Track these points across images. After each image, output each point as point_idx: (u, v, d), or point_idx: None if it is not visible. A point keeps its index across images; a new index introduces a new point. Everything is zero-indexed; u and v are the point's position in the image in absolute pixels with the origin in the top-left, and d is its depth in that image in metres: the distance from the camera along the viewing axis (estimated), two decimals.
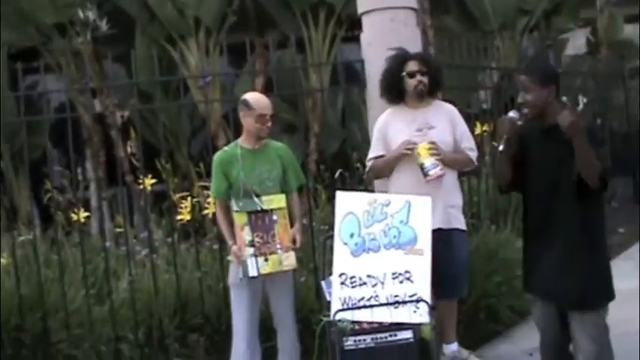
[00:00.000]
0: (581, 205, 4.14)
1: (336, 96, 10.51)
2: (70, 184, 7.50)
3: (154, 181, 7.29)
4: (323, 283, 5.12)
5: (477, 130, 7.90)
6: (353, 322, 4.78)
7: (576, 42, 13.48)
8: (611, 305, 4.40)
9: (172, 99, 9.91)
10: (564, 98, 8.94)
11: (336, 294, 4.88)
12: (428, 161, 5.17)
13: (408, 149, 5.24)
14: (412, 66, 5.39)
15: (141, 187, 7.03)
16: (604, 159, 4.13)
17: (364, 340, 4.74)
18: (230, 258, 5.16)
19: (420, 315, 4.77)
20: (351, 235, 4.96)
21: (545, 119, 4.25)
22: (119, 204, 8.57)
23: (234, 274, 5.12)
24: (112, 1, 10.20)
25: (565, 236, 4.18)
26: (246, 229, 4.99)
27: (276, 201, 5.07)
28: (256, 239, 4.98)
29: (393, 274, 4.87)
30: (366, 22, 6.21)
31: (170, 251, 6.54)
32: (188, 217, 6.99)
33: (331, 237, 5.10)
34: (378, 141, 5.51)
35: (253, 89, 8.89)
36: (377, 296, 4.85)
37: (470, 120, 7.28)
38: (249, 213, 5.00)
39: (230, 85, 9.01)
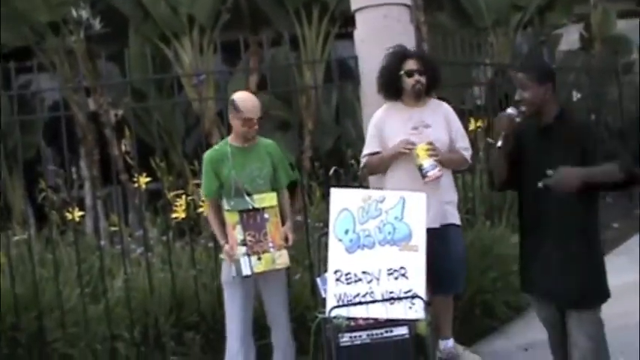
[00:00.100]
0: (577, 204, 4.14)
1: (330, 93, 10.51)
2: (64, 183, 7.49)
3: (148, 179, 7.28)
4: (318, 279, 5.13)
5: (471, 127, 7.91)
6: (348, 319, 4.78)
7: (570, 37, 13.50)
8: (608, 300, 4.43)
9: (166, 97, 9.88)
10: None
11: (332, 291, 4.88)
12: (427, 162, 5.17)
13: (406, 149, 5.25)
14: (410, 65, 5.39)
15: (135, 185, 7.02)
16: (622, 162, 4.05)
17: (360, 336, 4.74)
18: (222, 256, 5.16)
19: (416, 311, 4.77)
20: (346, 232, 4.97)
21: (542, 117, 4.26)
22: (114, 202, 8.57)
23: (226, 273, 5.11)
24: None
25: (561, 235, 4.18)
26: (238, 228, 4.98)
27: (267, 199, 5.06)
28: (248, 238, 4.97)
29: (388, 270, 4.87)
30: (359, 19, 6.21)
31: (165, 249, 6.54)
32: (183, 215, 6.99)
33: (326, 234, 5.10)
34: (373, 137, 5.51)
35: (247, 87, 8.94)
36: (372, 292, 4.85)
37: (464, 116, 7.29)
38: (241, 212, 4.99)
39: (224, 83, 8.97)
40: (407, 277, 4.85)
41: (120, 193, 9.14)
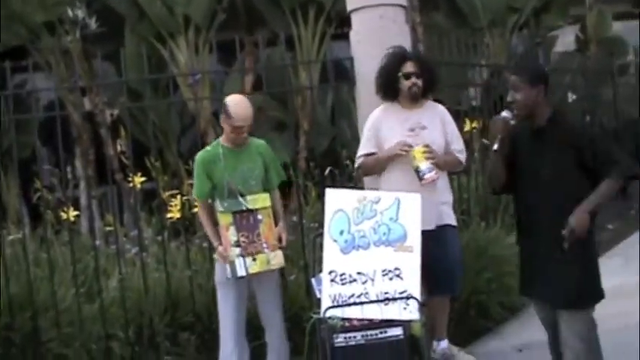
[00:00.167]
0: (571, 207, 4.13)
1: (325, 93, 10.52)
2: (59, 183, 7.48)
3: (143, 179, 7.27)
4: (313, 280, 5.13)
5: (467, 128, 7.92)
6: (343, 319, 4.78)
7: (565, 39, 13.51)
8: (603, 300, 4.43)
9: (162, 97, 9.88)
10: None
11: (326, 291, 4.88)
12: (424, 165, 5.18)
13: (403, 151, 5.25)
14: (409, 67, 5.39)
15: (130, 185, 7.01)
16: (621, 167, 4.14)
17: (354, 337, 4.74)
18: (216, 257, 5.15)
19: (410, 312, 4.78)
20: (341, 233, 4.97)
21: (535, 120, 4.28)
22: (109, 202, 8.54)
23: (220, 273, 5.11)
24: None
25: (555, 237, 4.15)
26: (232, 229, 4.97)
27: (260, 200, 5.05)
28: (242, 239, 4.96)
29: (383, 271, 4.88)
30: (355, 19, 6.21)
31: (160, 249, 6.53)
32: (178, 215, 6.99)
33: (321, 234, 5.11)
34: (369, 138, 5.51)
35: (243, 87, 8.93)
36: (367, 293, 4.85)
37: (459, 117, 7.30)
38: (234, 213, 4.98)
39: (219, 82, 8.98)
40: (402, 278, 4.85)
41: (115, 193, 9.11)
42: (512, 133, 4.32)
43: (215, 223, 5.08)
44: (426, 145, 5.23)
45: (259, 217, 5.02)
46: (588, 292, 4.25)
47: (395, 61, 5.44)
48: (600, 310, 4.41)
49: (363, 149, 5.53)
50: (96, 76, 9.75)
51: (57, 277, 6.25)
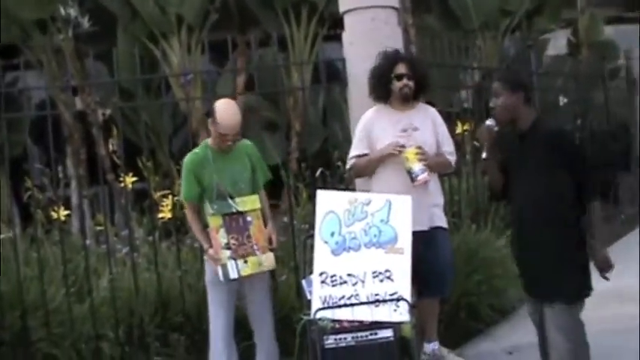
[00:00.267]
0: (554, 206, 4.30)
1: (317, 94, 10.52)
2: (50, 182, 7.46)
3: (135, 179, 7.27)
4: (304, 281, 5.13)
5: (458, 130, 7.94)
6: (333, 321, 4.79)
7: (557, 43, 13.55)
8: (587, 304, 4.46)
9: (154, 97, 9.86)
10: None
11: (317, 293, 4.89)
12: (416, 166, 5.21)
13: (396, 151, 5.26)
14: (400, 68, 5.42)
15: (122, 185, 7.00)
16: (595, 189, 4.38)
17: (345, 338, 4.75)
18: (207, 258, 5.14)
19: (401, 314, 4.79)
20: (332, 234, 4.98)
21: (518, 124, 4.44)
22: (100, 202, 8.52)
23: (210, 273, 5.10)
24: None
25: (540, 235, 4.33)
26: (222, 231, 4.94)
27: (250, 202, 5.03)
28: (232, 241, 4.94)
29: (374, 272, 4.88)
30: (347, 21, 6.22)
31: (151, 250, 6.52)
32: (169, 216, 6.98)
33: (312, 236, 5.11)
34: (361, 139, 5.52)
35: (235, 87, 8.92)
36: (357, 295, 4.86)
37: (451, 119, 7.32)
38: (224, 215, 4.95)
39: (212, 83, 8.96)
40: (392, 280, 4.86)
41: (106, 193, 9.09)
42: (502, 139, 4.47)
43: (204, 226, 5.07)
44: (419, 147, 5.25)
45: (249, 219, 5.00)
46: (573, 286, 4.31)
47: (387, 63, 5.46)
48: (588, 313, 4.45)
49: (354, 150, 5.54)
50: (88, 76, 9.72)
51: (47, 276, 6.23)
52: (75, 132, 10.16)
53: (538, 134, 4.36)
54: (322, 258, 4.95)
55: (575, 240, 4.32)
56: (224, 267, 4.92)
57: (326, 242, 4.97)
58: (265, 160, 5.45)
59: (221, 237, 4.94)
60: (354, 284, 4.89)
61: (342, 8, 6.24)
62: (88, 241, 6.92)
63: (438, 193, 5.58)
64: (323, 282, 4.90)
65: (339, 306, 4.83)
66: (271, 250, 5.10)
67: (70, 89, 10.16)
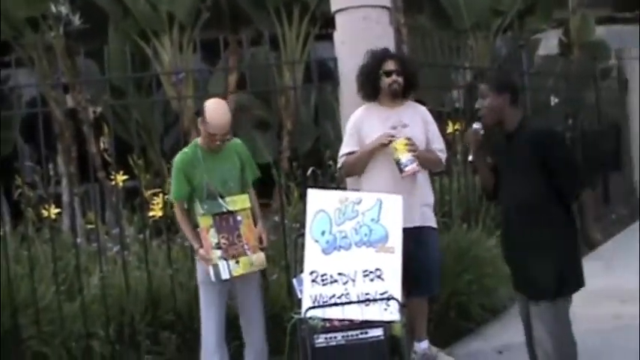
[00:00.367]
0: (539, 206, 4.35)
1: (309, 94, 10.52)
2: (41, 180, 7.44)
3: (125, 177, 7.26)
4: (294, 280, 5.13)
5: (450, 129, 7.95)
6: (324, 320, 4.80)
7: (549, 43, 13.59)
8: (580, 303, 4.48)
9: (145, 95, 9.85)
10: None
11: (307, 291, 4.89)
12: (405, 157, 5.20)
13: (387, 140, 5.26)
14: (389, 65, 5.44)
15: (113, 183, 6.99)
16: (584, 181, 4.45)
17: (335, 337, 4.75)
18: (198, 258, 5.14)
19: (391, 313, 4.79)
20: (323, 233, 4.98)
21: (504, 126, 4.49)
22: (91, 200, 8.51)
23: (202, 273, 5.09)
24: None
25: (526, 233, 4.39)
26: (212, 231, 4.92)
27: (240, 202, 5.02)
28: (222, 241, 4.92)
29: (364, 271, 4.89)
30: (339, 20, 6.22)
31: (142, 248, 6.51)
32: (160, 214, 6.97)
33: (303, 235, 5.11)
34: (351, 137, 5.53)
35: (226, 86, 8.93)
36: (348, 294, 4.87)
37: (442, 119, 7.32)
38: (214, 215, 4.94)
39: (203, 81, 8.97)
40: (383, 279, 4.87)
41: (97, 191, 9.08)
42: (491, 140, 4.55)
43: (194, 226, 5.05)
44: (408, 138, 5.25)
45: (239, 218, 4.99)
46: (555, 283, 4.33)
47: (375, 60, 5.47)
48: (577, 312, 4.48)
49: (345, 148, 5.54)
50: (79, 73, 9.70)
51: (37, 274, 6.22)
52: (66, 130, 10.13)
53: (524, 134, 4.40)
54: (313, 257, 4.95)
55: (560, 238, 4.36)
56: (215, 267, 4.90)
57: (317, 241, 4.98)
58: (256, 159, 5.44)
59: (211, 237, 4.92)
60: (345, 283, 4.89)
61: (333, 7, 6.24)
62: (78, 239, 6.90)
63: (429, 192, 5.59)
64: (313, 281, 4.91)
65: (330, 305, 4.83)
66: (262, 249, 5.09)
67: (61, 87, 10.13)
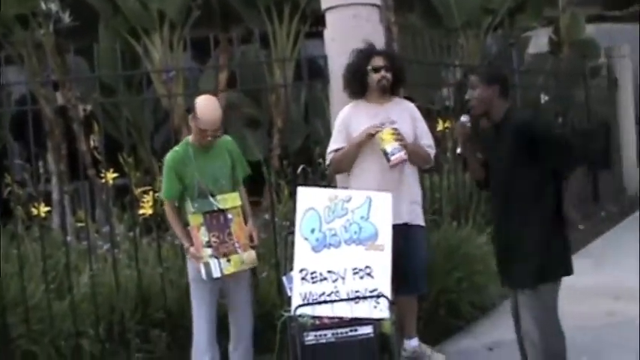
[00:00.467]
0: (526, 195, 4.40)
1: (299, 91, 10.52)
2: (30, 178, 7.42)
3: (116, 175, 7.25)
4: (284, 278, 5.13)
5: (440, 127, 7.97)
6: (313, 318, 4.79)
7: (539, 41, 13.63)
8: (567, 300, 4.51)
9: (135, 93, 9.82)
10: None
11: (297, 289, 4.89)
12: (391, 146, 5.19)
13: (374, 131, 5.26)
14: (377, 61, 5.44)
15: (103, 181, 6.97)
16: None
17: (325, 335, 4.75)
18: (189, 257, 5.13)
19: (381, 310, 4.79)
20: (312, 231, 4.98)
21: (491, 117, 4.56)
22: (81, 198, 8.51)
23: (193, 271, 5.08)
24: None
25: (513, 224, 4.45)
26: (202, 229, 4.92)
27: (230, 200, 5.02)
28: (213, 239, 4.91)
29: (354, 269, 4.89)
30: (329, 18, 6.22)
31: (132, 246, 6.50)
32: (150, 212, 6.96)
33: (292, 232, 5.11)
34: (339, 133, 5.53)
35: (217, 84, 8.92)
36: (337, 291, 4.87)
37: (432, 116, 7.33)
38: (205, 213, 4.93)
39: (194, 79, 8.97)
40: (372, 277, 4.87)
41: (87, 189, 9.07)
42: (480, 133, 4.61)
43: (184, 224, 5.04)
44: (394, 128, 5.25)
45: (230, 216, 4.99)
46: (539, 269, 4.36)
47: (363, 56, 5.48)
48: (565, 309, 4.51)
49: (333, 144, 5.54)
50: (69, 71, 9.66)
51: (27, 273, 6.20)
52: (56, 127, 10.10)
53: (510, 124, 4.45)
54: (302, 255, 4.96)
55: (545, 225, 4.38)
56: (207, 265, 4.90)
57: (306, 239, 4.98)
58: (247, 157, 5.44)
59: (202, 235, 4.91)
60: (335, 281, 4.89)
61: (323, 5, 6.24)
62: (68, 238, 6.88)
63: (417, 190, 5.60)
64: (303, 279, 4.91)
65: (319, 302, 4.83)
66: (253, 247, 5.09)
67: (51, 84, 10.11)
